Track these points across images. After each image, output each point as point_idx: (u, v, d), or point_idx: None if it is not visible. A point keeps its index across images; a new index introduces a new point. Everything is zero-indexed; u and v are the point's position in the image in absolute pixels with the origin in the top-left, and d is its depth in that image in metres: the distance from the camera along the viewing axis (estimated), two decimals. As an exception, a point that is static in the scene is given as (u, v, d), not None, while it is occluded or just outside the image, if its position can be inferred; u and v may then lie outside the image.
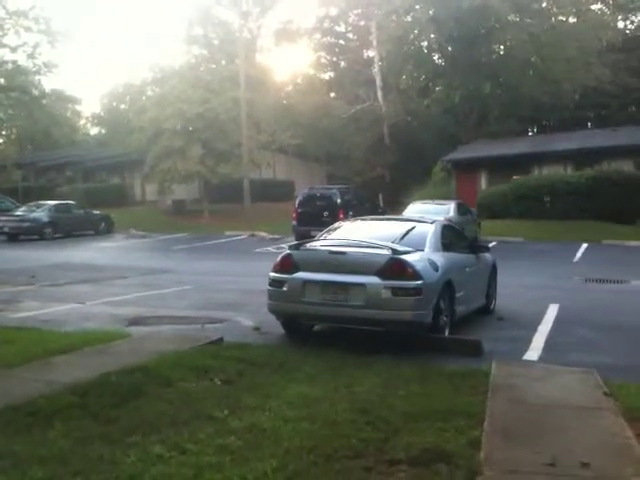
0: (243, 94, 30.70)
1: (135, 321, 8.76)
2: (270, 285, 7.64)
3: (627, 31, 45.48)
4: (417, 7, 38.77)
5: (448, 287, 7.60)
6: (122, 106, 57.47)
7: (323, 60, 49.98)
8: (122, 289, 12.03)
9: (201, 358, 6.31)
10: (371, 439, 4.33)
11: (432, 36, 40.39)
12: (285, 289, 7.45)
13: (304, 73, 47.31)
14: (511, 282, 11.59)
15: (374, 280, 7.03)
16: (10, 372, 5.78)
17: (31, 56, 40.69)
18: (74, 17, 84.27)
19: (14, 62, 40.01)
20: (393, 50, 39.99)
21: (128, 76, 55.26)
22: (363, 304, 7.02)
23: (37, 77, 42.50)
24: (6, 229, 25.09)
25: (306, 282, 7.34)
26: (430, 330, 7.29)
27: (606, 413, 4.94)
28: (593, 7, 44.06)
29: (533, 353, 7.24)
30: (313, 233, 13.92)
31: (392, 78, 41.76)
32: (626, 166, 27.33)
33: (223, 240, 24.76)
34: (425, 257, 7.52)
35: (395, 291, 6.97)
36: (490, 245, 13.16)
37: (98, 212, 28.48)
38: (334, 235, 8.43)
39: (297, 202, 22.49)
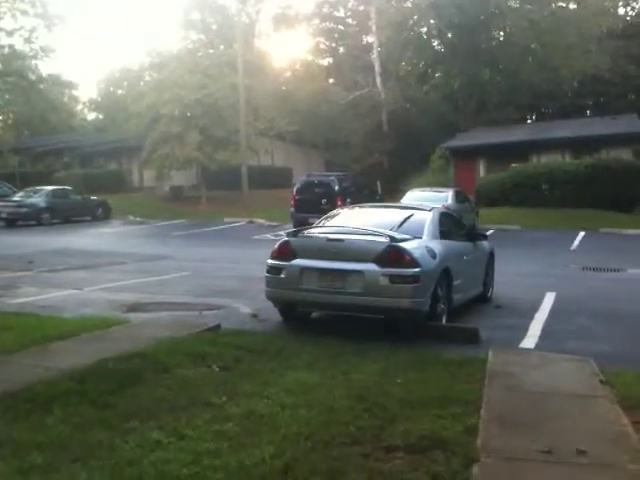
0: (241, 80, 30.54)
1: (133, 307, 8.76)
2: (268, 272, 7.64)
3: (627, 18, 45.25)
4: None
5: (446, 275, 7.61)
6: (119, 91, 57.20)
7: (322, 46, 49.66)
8: (120, 275, 12.03)
9: (199, 345, 6.32)
10: (368, 426, 4.35)
11: (432, 22, 40.22)
12: (283, 276, 7.45)
13: (303, 59, 47.05)
14: (508, 270, 11.61)
15: (372, 267, 7.04)
16: (8, 358, 5.78)
17: (28, 40, 40.48)
18: (71, 1, 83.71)
19: (11, 46, 39.79)
20: (392, 36, 39.78)
21: (125, 61, 55.05)
22: (361, 291, 7.03)
23: (34, 62, 42.33)
24: (3, 215, 25.03)
25: (304, 269, 7.34)
26: (428, 318, 7.31)
27: (602, 401, 4.97)
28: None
29: (530, 341, 7.27)
30: (311, 220, 13.96)
31: (391, 64, 41.57)
32: (625, 154, 27.33)
33: (221, 227, 24.75)
34: (423, 245, 7.52)
35: (393, 278, 6.98)
36: (488, 233, 13.16)
37: (96, 198, 28.38)
38: (332, 222, 8.42)
39: (295, 189, 22.45)
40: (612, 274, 13.24)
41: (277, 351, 6.36)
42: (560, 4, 40.78)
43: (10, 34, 39.53)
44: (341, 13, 48.91)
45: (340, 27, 49.07)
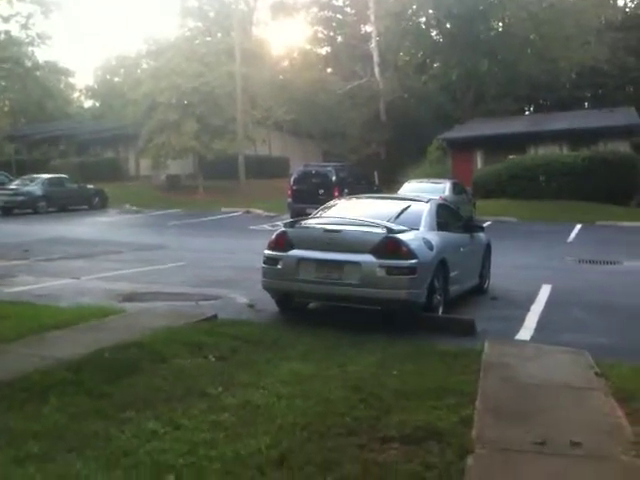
0: (239, 68, 30.41)
1: (130, 297, 8.75)
2: (265, 263, 7.64)
3: (627, 9, 45.12)
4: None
5: (442, 266, 7.62)
6: (116, 79, 56.94)
7: (320, 35, 49.40)
8: (116, 264, 12.01)
9: (195, 335, 6.33)
10: (364, 417, 4.37)
11: (430, 12, 40.03)
12: (280, 267, 7.45)
13: (300, 48, 46.84)
14: (505, 262, 11.63)
15: (369, 258, 7.04)
16: (4, 347, 5.78)
17: (24, 27, 40.22)
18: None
19: (7, 32, 39.55)
20: (391, 26, 39.60)
21: (122, 49, 54.78)
22: (357, 282, 7.03)
23: (30, 48, 42.10)
24: (0, 203, 24.94)
25: (301, 260, 7.34)
26: (424, 309, 7.32)
27: (597, 393, 4.99)
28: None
29: (526, 333, 7.29)
30: (308, 211, 13.92)
31: (389, 54, 41.41)
32: (622, 147, 27.34)
33: (218, 217, 24.70)
34: (420, 236, 7.52)
35: (390, 270, 6.98)
36: (485, 225, 13.17)
37: (92, 186, 28.29)
38: (329, 213, 8.41)
39: (292, 179, 22.40)
40: (608, 266, 13.27)
41: (273, 342, 6.37)
42: (559, -5, 40.60)
43: (6, 20, 39.31)
44: (339, 2, 48.67)
45: (338, 16, 48.82)
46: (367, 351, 6.11)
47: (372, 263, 7.02)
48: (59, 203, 26.02)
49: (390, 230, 7.21)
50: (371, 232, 7.26)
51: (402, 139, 37.00)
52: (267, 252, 7.66)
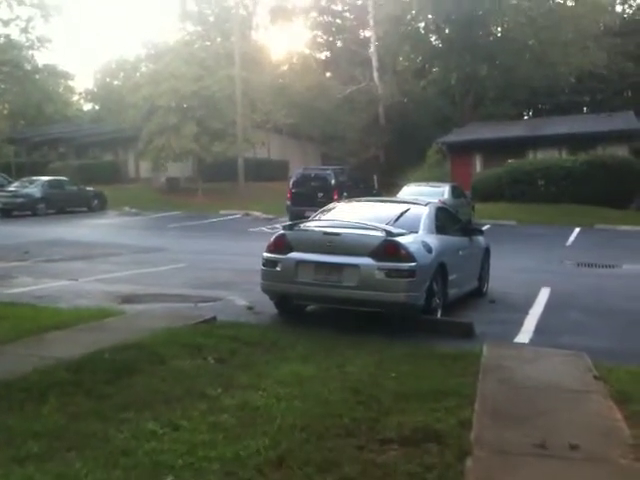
0: (238, 72, 30.45)
1: (129, 299, 8.76)
2: (264, 265, 7.65)
3: (625, 15, 45.25)
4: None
5: (441, 269, 7.63)
6: (115, 82, 56.97)
7: (319, 39, 49.50)
8: (116, 266, 12.01)
9: (194, 336, 6.33)
10: (363, 418, 4.37)
11: (429, 17, 40.10)
12: (278, 269, 7.46)
13: (300, 52, 46.92)
14: (504, 265, 11.64)
15: (368, 261, 7.05)
16: (3, 348, 5.78)
17: (24, 30, 40.23)
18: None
19: (7, 36, 39.56)
20: (390, 30, 39.69)
21: (122, 52, 54.84)
22: (356, 285, 7.04)
23: (30, 52, 42.11)
24: (-1, 205, 24.95)
25: (299, 262, 7.35)
26: (423, 312, 7.33)
27: (596, 396, 4.99)
28: (592, -10, 43.74)
29: (524, 336, 7.30)
30: (307, 213, 13.96)
31: (388, 59, 41.49)
32: (621, 151, 27.39)
33: (217, 219, 24.72)
34: (419, 239, 7.54)
35: (388, 272, 6.99)
36: (484, 228, 13.19)
37: (91, 189, 28.32)
38: (328, 216, 8.43)
39: (291, 182, 22.44)
40: (607, 270, 13.30)
41: (272, 343, 6.37)
42: (558, 1, 40.74)
43: (6, 24, 39.36)
44: (339, 7, 48.77)
45: (338, 21, 48.93)
46: (366, 353, 6.12)
47: (371, 266, 7.03)
48: (58, 205, 26.02)
49: (389, 233, 7.22)
50: (370, 235, 7.27)
51: (401, 143, 37.04)
52: (266, 254, 7.67)
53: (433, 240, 7.76)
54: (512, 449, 3.90)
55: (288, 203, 21.82)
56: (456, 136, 33.27)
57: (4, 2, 38.63)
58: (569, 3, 41.41)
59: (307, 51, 47.80)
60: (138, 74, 43.26)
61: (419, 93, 41.26)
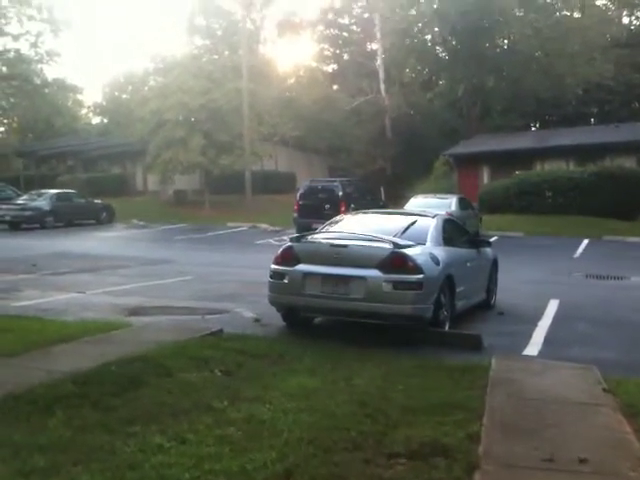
0: (245, 85, 30.62)
1: (135, 311, 8.77)
2: (271, 277, 7.65)
3: (632, 27, 45.26)
4: (421, 0, 38.66)
5: (449, 281, 7.61)
6: (124, 96, 57.36)
7: (326, 52, 49.77)
8: (123, 279, 12.03)
9: (201, 349, 6.32)
10: (370, 432, 4.34)
11: (436, 29, 40.27)
12: (286, 281, 7.45)
13: (307, 65, 47.15)
14: (512, 277, 11.59)
15: (375, 273, 7.04)
16: (10, 361, 5.79)
17: (34, 45, 40.61)
18: (76, 5, 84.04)
19: (16, 51, 39.93)
20: (397, 43, 39.88)
21: (130, 66, 55.26)
22: (364, 297, 7.03)
23: (39, 66, 42.47)
24: (7, 218, 25.04)
25: (307, 275, 7.35)
26: (430, 324, 7.30)
27: (605, 409, 4.95)
28: (598, 2, 43.98)
29: (533, 348, 7.25)
30: (314, 225, 13.95)
31: (395, 71, 41.62)
32: (628, 162, 27.33)
33: (224, 231, 24.75)
34: (426, 251, 7.52)
35: (396, 285, 6.98)
36: (491, 240, 13.15)
37: (99, 201, 28.46)
38: (336, 228, 8.43)
39: (298, 194, 22.45)
40: (615, 282, 13.22)
41: (279, 356, 6.35)
42: (564, 13, 40.85)
43: (16, 38, 39.72)
44: (346, 20, 49.06)
45: (344, 34, 49.20)
46: (373, 365, 6.09)
47: (378, 278, 7.01)
48: (66, 218, 26.12)
49: (396, 245, 7.21)
50: (377, 247, 7.26)
51: (408, 154, 37.10)
52: (273, 267, 7.67)
53: (440, 252, 7.74)
54: (520, 463, 3.86)
55: (295, 215, 21.84)
56: (463, 148, 33.28)
57: (15, 17, 39.06)
58: (576, 15, 41.53)
59: (314, 64, 48.05)
60: (146, 88, 43.52)
61: (426, 105, 41.36)
